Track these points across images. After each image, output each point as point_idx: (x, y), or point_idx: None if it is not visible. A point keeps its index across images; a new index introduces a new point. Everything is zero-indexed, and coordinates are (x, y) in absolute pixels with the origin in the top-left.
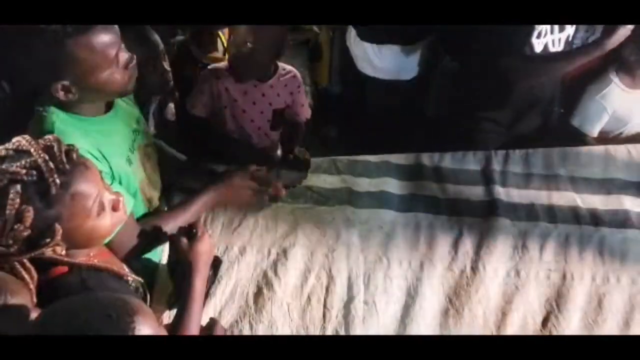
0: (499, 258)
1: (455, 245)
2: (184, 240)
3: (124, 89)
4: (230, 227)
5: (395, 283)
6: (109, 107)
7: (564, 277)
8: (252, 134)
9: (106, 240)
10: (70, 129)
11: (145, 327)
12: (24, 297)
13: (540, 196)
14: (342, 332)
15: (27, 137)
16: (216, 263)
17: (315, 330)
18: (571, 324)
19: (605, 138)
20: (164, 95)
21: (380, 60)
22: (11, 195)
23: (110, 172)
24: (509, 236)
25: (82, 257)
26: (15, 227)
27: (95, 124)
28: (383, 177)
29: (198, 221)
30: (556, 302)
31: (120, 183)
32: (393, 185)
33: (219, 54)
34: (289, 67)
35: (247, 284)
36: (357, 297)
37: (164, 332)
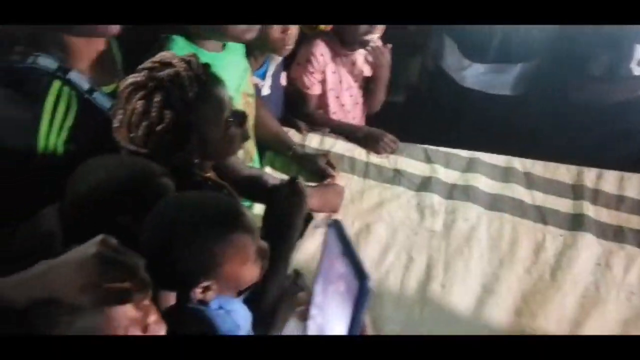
0: (580, 271)
1: (537, 251)
2: (285, 192)
3: None
4: None
5: (473, 275)
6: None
7: None
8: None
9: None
10: None
11: (242, 238)
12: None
13: (630, 220)
14: (416, 310)
15: (170, 51)
16: (307, 218)
17: (390, 303)
18: None
19: None
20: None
21: (472, 73)
22: (156, 99)
23: None
24: (593, 252)
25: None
26: (158, 128)
27: (212, 59)
28: (473, 172)
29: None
30: (635, 325)
31: None
32: (482, 182)
33: None
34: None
35: None
36: (434, 280)
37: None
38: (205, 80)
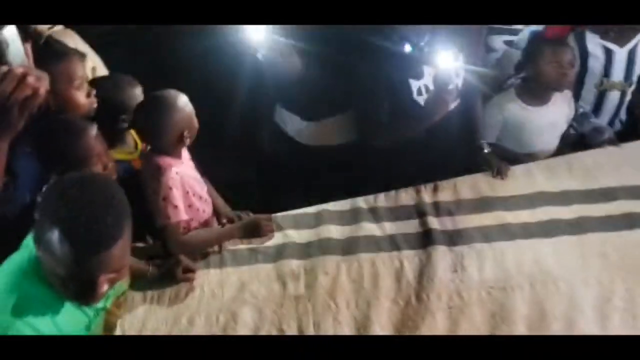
0: (440, 284)
1: (398, 279)
2: None
3: None
4: (177, 300)
5: (345, 326)
6: None
7: (504, 290)
8: None
9: None
10: None
11: None
12: None
13: (471, 219)
14: None
15: None
16: None
17: None
18: (517, 334)
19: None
20: None
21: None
22: None
23: None
24: (447, 261)
25: None
26: None
27: None
28: (323, 225)
29: None
30: (500, 316)
31: None
32: (333, 232)
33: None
34: None
35: None
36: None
37: None
38: None
